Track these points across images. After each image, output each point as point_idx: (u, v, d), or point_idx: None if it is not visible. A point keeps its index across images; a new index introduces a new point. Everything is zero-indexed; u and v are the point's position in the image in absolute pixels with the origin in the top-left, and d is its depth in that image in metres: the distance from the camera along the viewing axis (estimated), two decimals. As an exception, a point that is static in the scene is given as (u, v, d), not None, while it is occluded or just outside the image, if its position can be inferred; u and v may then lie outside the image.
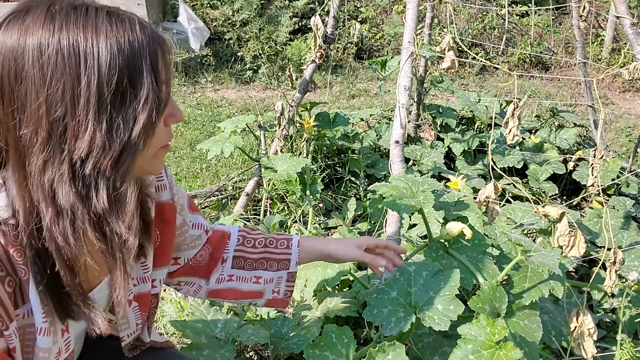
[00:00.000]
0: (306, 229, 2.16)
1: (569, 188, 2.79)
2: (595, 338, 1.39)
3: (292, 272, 1.18)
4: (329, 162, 2.73)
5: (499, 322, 1.15)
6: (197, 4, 5.36)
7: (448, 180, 2.34)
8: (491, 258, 1.44)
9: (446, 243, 1.44)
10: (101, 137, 0.66)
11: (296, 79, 2.65)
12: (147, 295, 1.01)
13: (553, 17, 5.83)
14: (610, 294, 1.64)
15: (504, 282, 1.40)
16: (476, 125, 3.25)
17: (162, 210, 0.98)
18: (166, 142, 0.79)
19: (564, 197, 2.75)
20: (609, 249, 1.55)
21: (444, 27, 5.32)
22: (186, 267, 1.14)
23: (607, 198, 2.45)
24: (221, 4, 5.38)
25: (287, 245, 1.18)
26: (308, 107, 2.71)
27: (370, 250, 1.23)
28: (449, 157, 2.96)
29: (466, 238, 1.40)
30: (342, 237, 1.29)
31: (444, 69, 1.95)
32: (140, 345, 1.07)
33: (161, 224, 0.99)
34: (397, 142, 1.75)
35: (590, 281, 1.60)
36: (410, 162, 2.68)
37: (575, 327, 1.40)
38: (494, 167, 1.76)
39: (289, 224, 2.31)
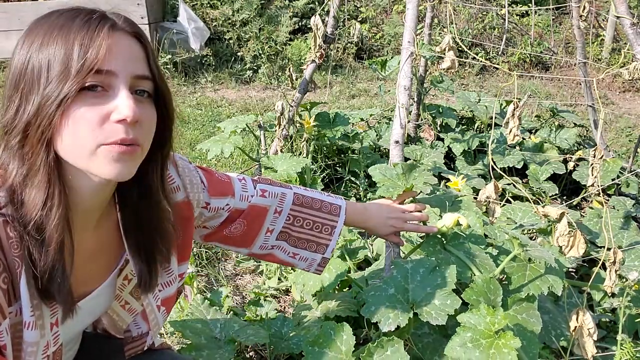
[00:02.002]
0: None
1: (569, 188, 2.79)
2: (595, 338, 1.39)
3: (326, 257, 1.30)
4: (329, 162, 2.73)
5: (499, 312, 1.15)
6: (197, 4, 5.36)
7: (448, 180, 2.34)
8: (489, 255, 1.44)
9: (443, 239, 1.45)
10: (11, 117, 0.73)
11: (296, 79, 2.65)
12: (173, 297, 1.04)
13: (553, 17, 5.83)
14: (610, 294, 1.64)
15: (505, 283, 1.40)
16: (476, 125, 3.25)
17: (179, 210, 1.01)
18: (106, 140, 0.73)
19: (564, 197, 2.75)
20: (609, 249, 1.55)
21: (444, 27, 5.32)
22: (220, 235, 1.18)
23: (607, 198, 2.44)
24: (221, 4, 5.39)
25: (331, 232, 1.28)
26: (308, 107, 2.71)
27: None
28: (449, 157, 2.96)
29: (462, 227, 1.40)
30: (378, 204, 1.40)
31: (444, 69, 1.94)
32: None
33: (180, 221, 1.02)
34: (397, 142, 1.75)
35: (590, 281, 1.60)
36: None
37: (575, 327, 1.40)
38: (494, 167, 1.76)
39: (288, 223, 2.31)
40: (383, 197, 1.44)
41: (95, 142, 0.73)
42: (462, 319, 1.15)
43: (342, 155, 2.78)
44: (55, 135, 0.72)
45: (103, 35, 0.72)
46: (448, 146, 2.91)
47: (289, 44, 5.25)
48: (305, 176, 2.22)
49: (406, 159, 1.80)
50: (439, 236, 1.44)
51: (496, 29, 5.69)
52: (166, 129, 0.85)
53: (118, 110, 0.73)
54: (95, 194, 0.81)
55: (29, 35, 0.74)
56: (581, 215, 2.30)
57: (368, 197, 2.49)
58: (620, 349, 1.42)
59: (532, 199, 1.79)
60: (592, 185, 1.91)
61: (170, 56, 4.71)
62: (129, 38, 0.76)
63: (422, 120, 3.12)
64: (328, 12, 2.69)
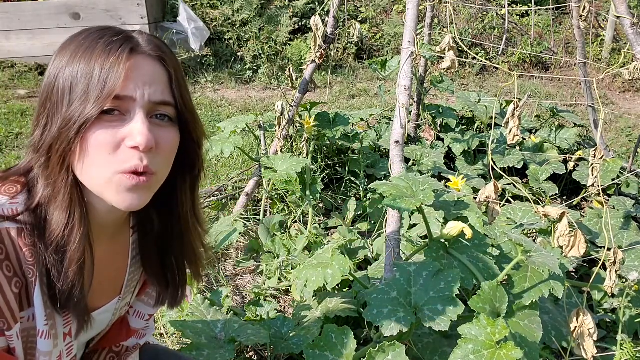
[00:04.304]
0: (306, 229, 2.16)
1: (569, 188, 2.79)
2: (595, 338, 1.39)
3: None
4: (329, 162, 2.73)
5: (500, 322, 1.15)
6: (197, 4, 5.36)
7: (448, 180, 2.34)
8: (491, 258, 1.44)
9: (446, 243, 1.44)
10: (38, 137, 0.74)
11: (296, 79, 2.65)
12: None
13: (553, 17, 5.83)
14: (610, 294, 1.64)
15: (504, 283, 1.39)
16: (476, 125, 3.25)
17: None
18: (121, 167, 0.73)
19: (564, 197, 2.75)
20: (609, 249, 1.55)
21: (444, 27, 5.33)
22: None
23: (607, 198, 2.45)
24: (221, 4, 5.38)
25: None
26: (308, 107, 2.71)
27: None
28: (449, 157, 2.96)
29: (466, 237, 1.39)
30: None
31: (444, 69, 1.95)
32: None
33: None
34: (397, 142, 1.75)
35: (591, 281, 1.60)
36: (410, 162, 2.68)
37: (576, 327, 1.40)
38: (494, 167, 1.76)
39: (289, 224, 2.31)
40: (383, 196, 1.43)
41: (110, 169, 0.72)
42: (463, 331, 1.15)
43: (342, 155, 2.78)
44: (74, 159, 0.72)
45: (123, 59, 0.72)
46: (448, 146, 2.91)
47: (289, 44, 5.25)
48: (305, 176, 2.22)
49: (406, 159, 1.80)
50: (442, 240, 1.44)
51: (496, 29, 5.69)
52: (193, 153, 0.83)
53: (132, 137, 0.72)
54: (110, 214, 0.82)
55: (59, 53, 0.75)
56: (581, 215, 2.30)
57: (368, 197, 2.49)
58: (620, 349, 1.42)
59: (532, 199, 1.79)
60: (592, 185, 1.91)
61: (170, 56, 4.71)
62: (150, 61, 0.75)
63: (422, 120, 3.12)
64: (328, 12, 2.68)
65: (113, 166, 0.72)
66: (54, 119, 0.72)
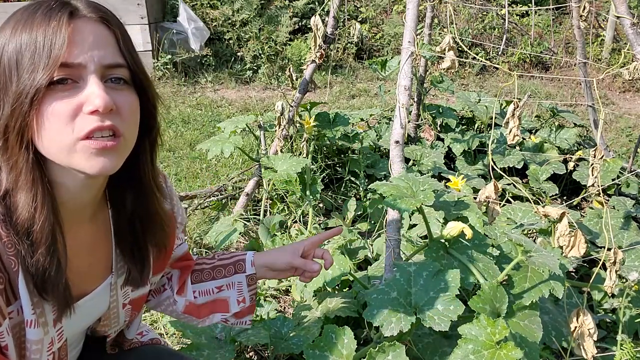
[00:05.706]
0: (306, 229, 2.16)
1: (569, 188, 2.79)
2: (595, 338, 1.39)
3: (250, 274, 1.11)
4: (329, 162, 2.73)
5: (500, 322, 1.15)
6: (197, 4, 5.36)
7: (448, 180, 2.34)
8: (491, 258, 1.44)
9: (446, 243, 1.44)
10: None
11: (296, 79, 2.65)
12: (144, 297, 1.02)
13: (553, 17, 5.83)
14: (610, 294, 1.64)
15: (504, 283, 1.40)
16: (476, 125, 3.25)
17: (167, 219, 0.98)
18: (81, 132, 0.71)
19: (564, 197, 2.75)
20: (609, 249, 1.55)
21: (444, 27, 5.33)
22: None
23: (607, 198, 2.45)
24: (221, 4, 5.39)
25: (242, 259, 1.13)
26: (308, 107, 2.71)
27: (307, 254, 1.15)
28: (449, 157, 2.96)
29: (466, 238, 1.39)
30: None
31: (444, 69, 1.95)
32: (123, 342, 1.07)
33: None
34: (397, 142, 1.75)
35: (591, 281, 1.60)
36: (410, 162, 2.68)
37: (576, 327, 1.40)
38: (494, 167, 1.76)
39: (289, 224, 2.31)
40: (383, 197, 1.43)
41: (71, 137, 0.71)
42: (463, 331, 1.15)
43: (342, 155, 2.78)
44: (34, 135, 0.71)
45: (64, 23, 0.70)
46: (448, 146, 2.91)
47: (289, 44, 5.25)
48: (305, 176, 2.22)
49: (406, 159, 1.79)
50: (442, 240, 1.44)
51: (496, 29, 5.69)
52: (150, 116, 0.82)
53: (89, 101, 0.70)
54: (84, 189, 0.79)
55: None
56: (581, 215, 2.30)
57: (368, 197, 2.49)
58: (620, 349, 1.42)
59: (532, 199, 1.79)
60: (592, 185, 1.91)
61: (170, 56, 4.71)
62: (93, 24, 0.73)
63: (422, 120, 3.12)
64: (328, 12, 2.68)
65: (74, 134, 0.71)
66: (6, 99, 0.70)
